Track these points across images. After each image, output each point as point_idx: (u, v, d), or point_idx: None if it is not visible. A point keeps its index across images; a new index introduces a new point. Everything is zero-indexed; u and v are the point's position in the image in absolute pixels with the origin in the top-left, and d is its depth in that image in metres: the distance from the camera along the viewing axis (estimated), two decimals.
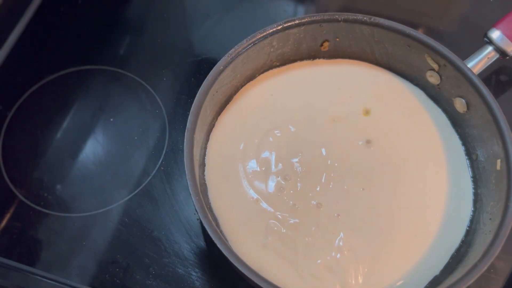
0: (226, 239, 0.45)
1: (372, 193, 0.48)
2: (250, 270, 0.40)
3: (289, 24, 0.50)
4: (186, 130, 0.44)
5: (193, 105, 0.45)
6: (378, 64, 0.54)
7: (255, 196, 0.48)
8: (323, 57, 0.55)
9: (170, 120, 0.57)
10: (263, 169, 0.49)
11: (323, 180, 0.48)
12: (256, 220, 0.47)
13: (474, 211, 0.48)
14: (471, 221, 0.48)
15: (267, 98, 0.53)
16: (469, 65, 0.50)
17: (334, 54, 0.54)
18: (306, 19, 0.50)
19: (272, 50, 0.51)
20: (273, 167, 0.49)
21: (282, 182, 0.48)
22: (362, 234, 0.46)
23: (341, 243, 0.46)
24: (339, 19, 0.50)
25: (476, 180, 0.49)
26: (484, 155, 0.48)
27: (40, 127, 0.57)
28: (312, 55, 0.54)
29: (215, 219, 0.47)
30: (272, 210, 0.47)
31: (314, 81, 0.54)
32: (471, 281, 0.40)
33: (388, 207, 0.48)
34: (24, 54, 0.61)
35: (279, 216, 0.47)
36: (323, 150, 0.50)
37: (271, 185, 0.48)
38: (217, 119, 0.52)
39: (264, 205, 0.47)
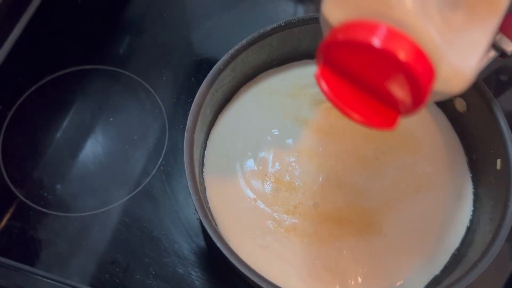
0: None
1: (370, 192, 0.48)
2: (250, 270, 0.40)
3: (289, 23, 0.49)
4: (186, 130, 0.44)
5: (193, 105, 0.45)
6: None
7: (252, 196, 0.48)
8: None
9: (170, 120, 0.56)
10: (261, 168, 0.49)
11: (320, 180, 0.48)
12: (253, 220, 0.47)
13: (474, 211, 0.48)
14: (471, 221, 0.48)
15: (267, 97, 0.53)
16: None
17: None
18: (306, 19, 0.50)
19: (272, 49, 0.51)
20: (270, 166, 0.49)
21: (279, 182, 0.48)
22: (361, 234, 0.46)
23: (339, 243, 0.46)
24: None
25: (476, 180, 0.49)
26: (484, 155, 0.48)
27: (40, 127, 0.57)
28: (312, 54, 0.54)
29: (213, 219, 0.47)
30: (270, 210, 0.47)
31: (313, 80, 0.54)
32: (471, 281, 0.40)
33: (387, 206, 0.48)
34: (24, 54, 0.61)
35: (277, 217, 0.47)
36: (321, 149, 0.50)
37: (268, 184, 0.48)
38: (216, 118, 0.52)
39: (261, 205, 0.47)
